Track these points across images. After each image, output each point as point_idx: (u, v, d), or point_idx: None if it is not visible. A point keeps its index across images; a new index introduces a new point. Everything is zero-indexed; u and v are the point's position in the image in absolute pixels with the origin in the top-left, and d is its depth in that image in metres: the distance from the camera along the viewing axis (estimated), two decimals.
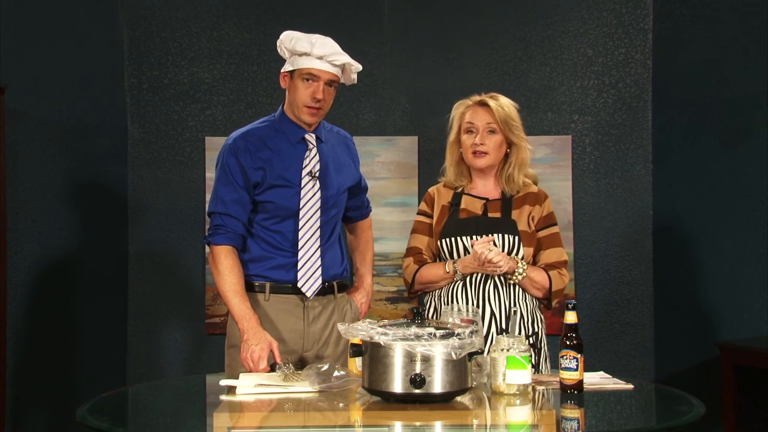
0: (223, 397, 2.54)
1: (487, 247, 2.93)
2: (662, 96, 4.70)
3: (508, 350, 2.48)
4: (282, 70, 2.95)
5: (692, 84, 4.55)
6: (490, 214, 3.10)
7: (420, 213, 3.21)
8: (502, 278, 3.03)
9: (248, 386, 2.56)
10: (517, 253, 3.04)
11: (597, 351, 4.65)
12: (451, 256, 3.07)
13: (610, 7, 4.75)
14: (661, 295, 4.70)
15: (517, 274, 3.01)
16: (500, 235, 3.03)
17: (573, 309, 2.55)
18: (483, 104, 3.11)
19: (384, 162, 4.74)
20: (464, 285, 3.05)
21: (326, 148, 3.01)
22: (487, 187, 3.15)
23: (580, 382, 2.52)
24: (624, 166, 4.75)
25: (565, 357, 2.51)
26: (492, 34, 4.77)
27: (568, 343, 2.51)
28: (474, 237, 3.02)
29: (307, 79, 2.87)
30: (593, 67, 4.76)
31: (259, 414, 2.45)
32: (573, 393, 2.50)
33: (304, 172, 2.94)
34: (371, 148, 4.71)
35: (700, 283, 4.48)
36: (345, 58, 2.89)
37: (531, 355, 2.55)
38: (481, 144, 3.07)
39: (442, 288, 3.10)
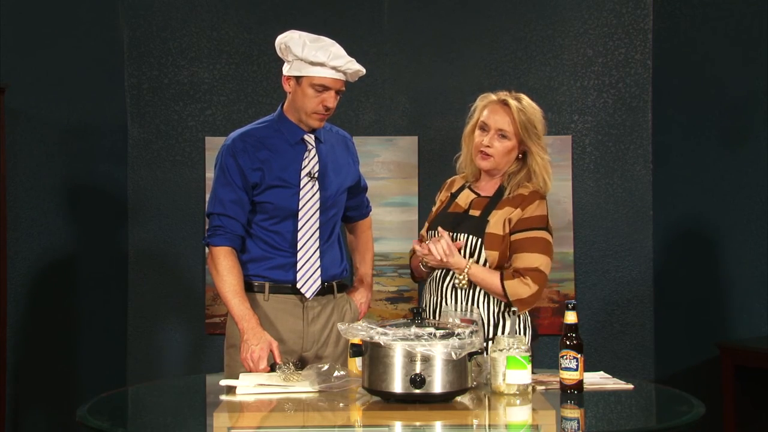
0: (223, 397, 2.54)
1: (438, 241, 2.94)
2: (662, 96, 4.70)
3: (508, 350, 2.48)
4: (286, 73, 2.90)
5: (692, 84, 4.55)
6: (471, 212, 3.03)
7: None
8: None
9: (248, 386, 2.57)
10: (478, 256, 2.96)
11: (597, 351, 4.65)
12: None
13: (610, 7, 4.75)
14: (661, 295, 4.70)
15: (459, 277, 2.94)
16: (463, 234, 2.98)
17: (573, 309, 2.55)
18: (504, 104, 3.00)
19: (384, 162, 4.74)
20: (429, 282, 3.05)
21: (325, 149, 3.01)
22: (488, 184, 3.09)
23: (580, 382, 2.52)
24: (624, 166, 4.75)
25: (565, 357, 2.51)
26: (492, 34, 4.77)
27: (568, 343, 2.51)
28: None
29: (319, 90, 2.86)
30: (593, 67, 4.76)
31: (259, 414, 2.45)
32: (573, 393, 2.50)
33: (303, 173, 2.94)
34: (371, 148, 4.71)
35: (700, 283, 4.48)
36: (356, 65, 2.87)
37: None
38: (488, 147, 2.99)
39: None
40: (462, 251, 2.96)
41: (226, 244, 2.90)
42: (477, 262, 2.96)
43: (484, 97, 3.08)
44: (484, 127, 3.02)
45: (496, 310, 2.97)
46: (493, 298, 2.97)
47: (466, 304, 2.96)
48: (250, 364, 2.77)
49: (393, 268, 4.68)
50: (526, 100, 3.04)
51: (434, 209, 3.19)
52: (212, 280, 2.96)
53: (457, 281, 2.95)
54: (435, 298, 3.02)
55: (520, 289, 2.90)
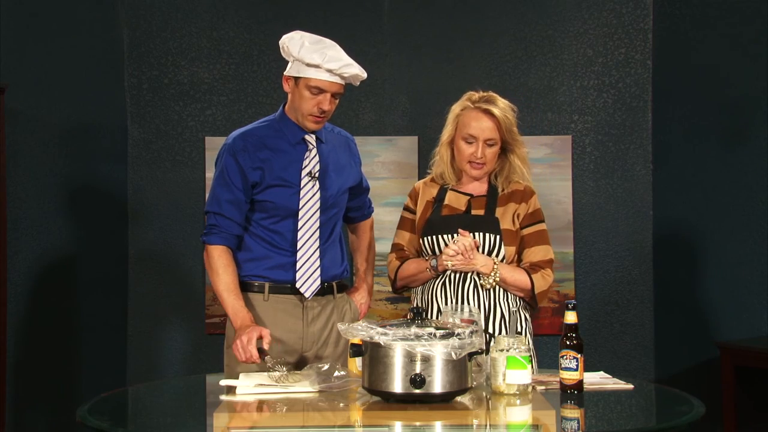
0: (223, 397, 2.54)
1: (465, 241, 2.91)
2: (662, 96, 4.70)
3: (508, 350, 2.48)
4: (285, 73, 2.90)
5: (692, 84, 4.55)
6: (473, 211, 3.04)
7: (405, 209, 3.19)
8: (478, 278, 2.98)
9: (248, 386, 2.56)
10: (498, 253, 2.99)
11: (597, 351, 4.65)
12: (433, 253, 3.03)
13: (610, 7, 4.75)
14: (661, 295, 4.70)
15: (489, 278, 2.95)
16: (481, 233, 2.98)
17: (573, 309, 2.55)
18: (485, 111, 3.00)
19: (384, 162, 4.74)
20: (443, 284, 3.01)
21: (326, 149, 3.01)
22: (474, 183, 3.10)
23: (580, 382, 2.52)
24: (624, 166, 4.75)
25: (565, 357, 2.51)
26: (492, 34, 4.77)
27: (568, 343, 2.51)
28: (455, 234, 2.98)
29: (315, 92, 2.86)
30: (593, 67, 4.76)
31: (259, 414, 2.45)
32: (573, 393, 2.50)
33: (303, 173, 2.93)
34: (371, 148, 4.71)
35: (700, 283, 4.48)
36: (354, 69, 2.83)
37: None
38: (481, 157, 3.01)
39: (423, 284, 3.08)
40: (480, 250, 2.97)
41: (222, 243, 2.90)
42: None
43: (459, 105, 3.07)
44: (469, 140, 3.02)
45: (514, 305, 3.02)
46: (512, 294, 3.01)
47: (488, 302, 2.97)
48: (240, 352, 2.72)
49: None
50: (501, 101, 3.04)
51: (416, 217, 3.13)
52: (209, 278, 2.96)
53: (490, 282, 2.96)
54: (454, 301, 2.99)
55: (543, 281, 2.99)
